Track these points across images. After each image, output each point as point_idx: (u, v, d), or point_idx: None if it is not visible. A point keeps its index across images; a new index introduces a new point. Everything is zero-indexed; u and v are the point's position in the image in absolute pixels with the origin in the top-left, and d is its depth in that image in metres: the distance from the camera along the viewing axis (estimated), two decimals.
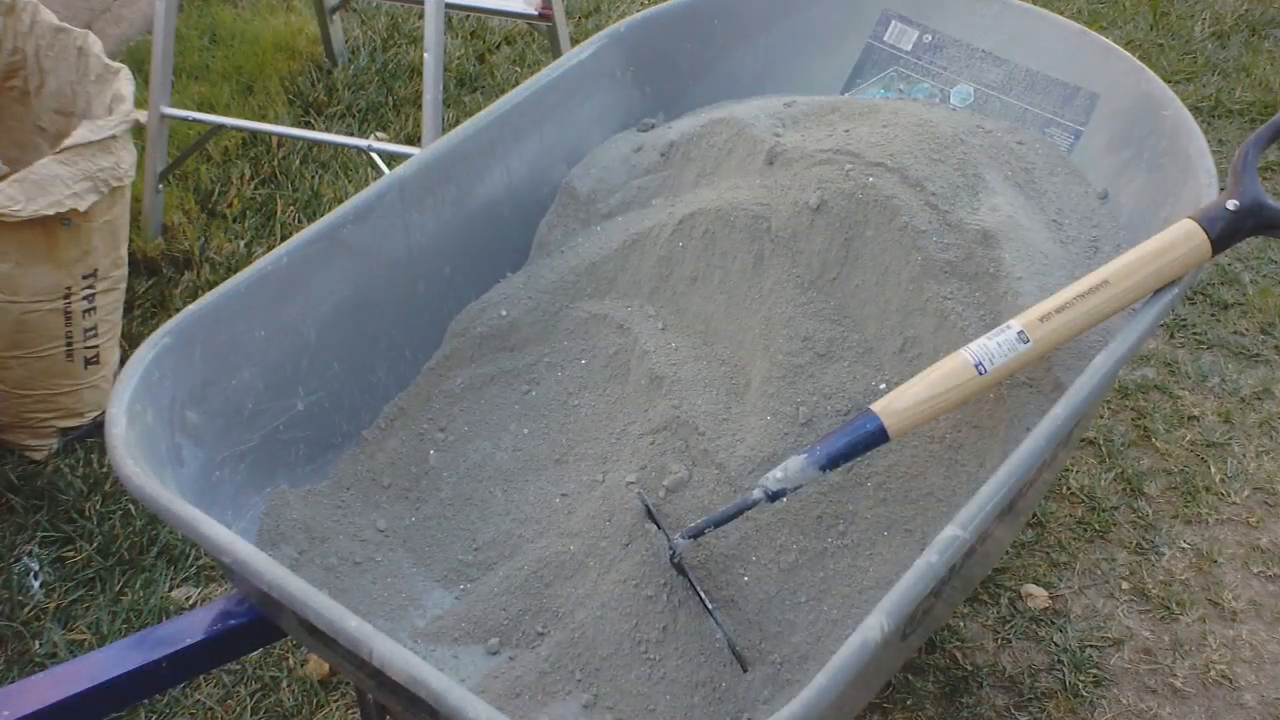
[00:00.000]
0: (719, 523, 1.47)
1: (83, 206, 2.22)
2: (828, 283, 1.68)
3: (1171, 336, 2.79)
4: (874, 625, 1.17)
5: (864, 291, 1.66)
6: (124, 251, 2.44)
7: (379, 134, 3.34)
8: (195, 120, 2.95)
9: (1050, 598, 2.24)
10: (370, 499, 1.70)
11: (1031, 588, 2.25)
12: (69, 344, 2.37)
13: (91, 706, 1.36)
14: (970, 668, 2.13)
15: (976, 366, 1.46)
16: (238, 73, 3.58)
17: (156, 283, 2.84)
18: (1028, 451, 1.34)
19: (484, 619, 1.55)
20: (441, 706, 1.11)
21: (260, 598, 1.39)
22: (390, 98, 3.52)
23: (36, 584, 2.20)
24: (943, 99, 2.04)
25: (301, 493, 1.66)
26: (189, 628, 1.43)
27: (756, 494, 1.44)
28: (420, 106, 2.76)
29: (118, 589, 2.20)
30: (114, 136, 2.27)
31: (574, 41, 2.87)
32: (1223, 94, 3.54)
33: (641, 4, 3.99)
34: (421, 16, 3.44)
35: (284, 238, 2.84)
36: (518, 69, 3.69)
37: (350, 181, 3.17)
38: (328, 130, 3.36)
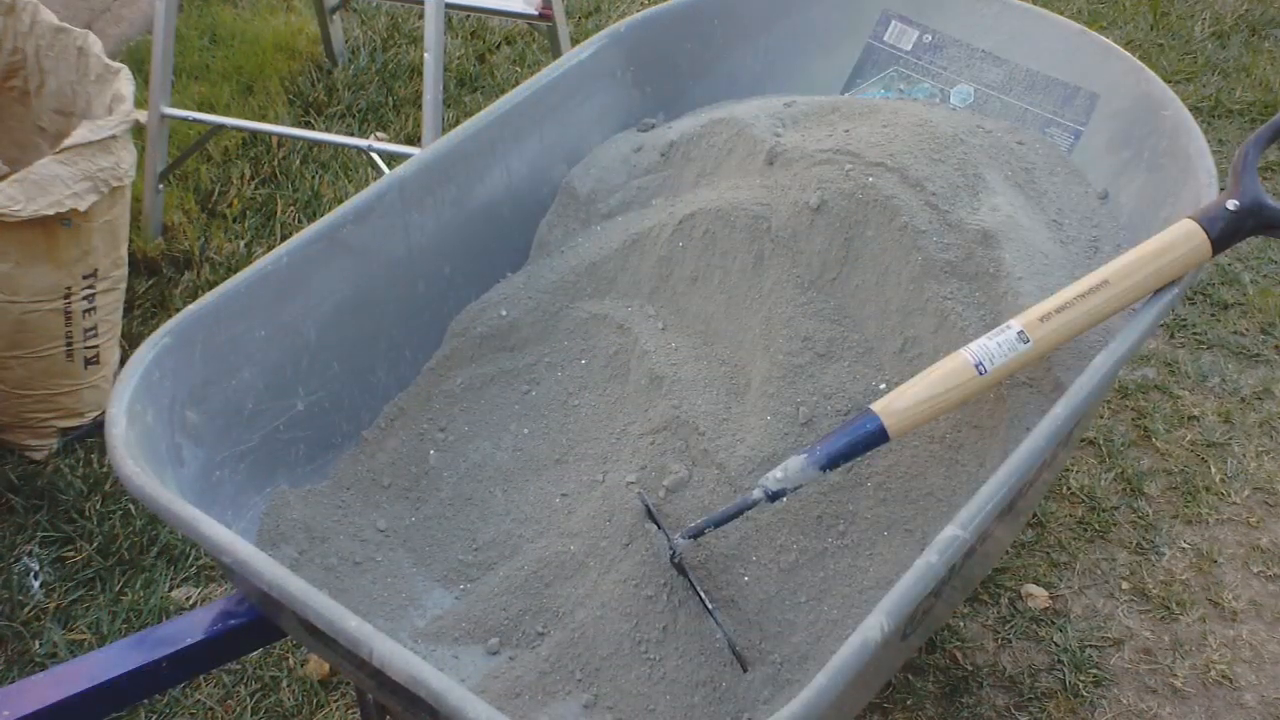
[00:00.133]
0: (719, 523, 1.47)
1: (83, 206, 2.22)
2: (828, 283, 1.68)
3: (1171, 336, 2.79)
4: (874, 625, 1.17)
5: (864, 291, 1.66)
6: (124, 251, 2.44)
7: (379, 134, 3.34)
8: (195, 120, 2.95)
9: (1050, 598, 2.24)
10: (370, 499, 1.70)
11: (1031, 588, 2.25)
12: (69, 344, 2.37)
13: (91, 706, 1.36)
14: (970, 668, 2.13)
15: (976, 366, 1.46)
16: (238, 73, 3.58)
17: (156, 283, 2.84)
18: (1028, 451, 1.34)
19: (484, 619, 1.55)
20: (441, 706, 1.11)
21: (260, 598, 1.39)
22: (390, 98, 3.52)
23: (36, 584, 2.20)
24: (943, 99, 2.04)
25: (301, 493, 1.66)
26: (189, 628, 1.43)
27: (756, 494, 1.44)
28: (420, 106, 2.76)
29: (118, 589, 2.20)
30: (114, 136, 2.27)
31: (574, 41, 2.88)
32: (1223, 94, 3.54)
33: (641, 4, 3.99)
34: (421, 16, 3.44)
35: (284, 238, 2.84)
36: (518, 69, 3.69)
37: (350, 181, 3.17)
38: (328, 130, 3.36)
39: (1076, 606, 2.23)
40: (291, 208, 3.07)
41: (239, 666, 2.10)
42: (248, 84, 3.55)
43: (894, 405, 1.45)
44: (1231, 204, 1.54)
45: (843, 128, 1.79)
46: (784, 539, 1.54)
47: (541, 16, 2.94)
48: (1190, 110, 1.80)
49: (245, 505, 1.62)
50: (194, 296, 2.54)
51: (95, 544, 2.26)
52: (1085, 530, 2.37)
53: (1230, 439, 2.54)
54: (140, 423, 1.44)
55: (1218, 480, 2.46)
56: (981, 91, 2.02)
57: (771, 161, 1.77)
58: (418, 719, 1.26)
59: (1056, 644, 2.16)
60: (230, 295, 1.58)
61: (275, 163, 3.22)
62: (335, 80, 3.57)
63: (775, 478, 1.44)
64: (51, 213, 2.18)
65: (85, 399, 2.45)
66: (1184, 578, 2.28)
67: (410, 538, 1.67)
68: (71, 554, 2.26)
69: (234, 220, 3.04)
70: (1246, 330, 2.81)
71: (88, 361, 2.42)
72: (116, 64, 2.48)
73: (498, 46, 3.81)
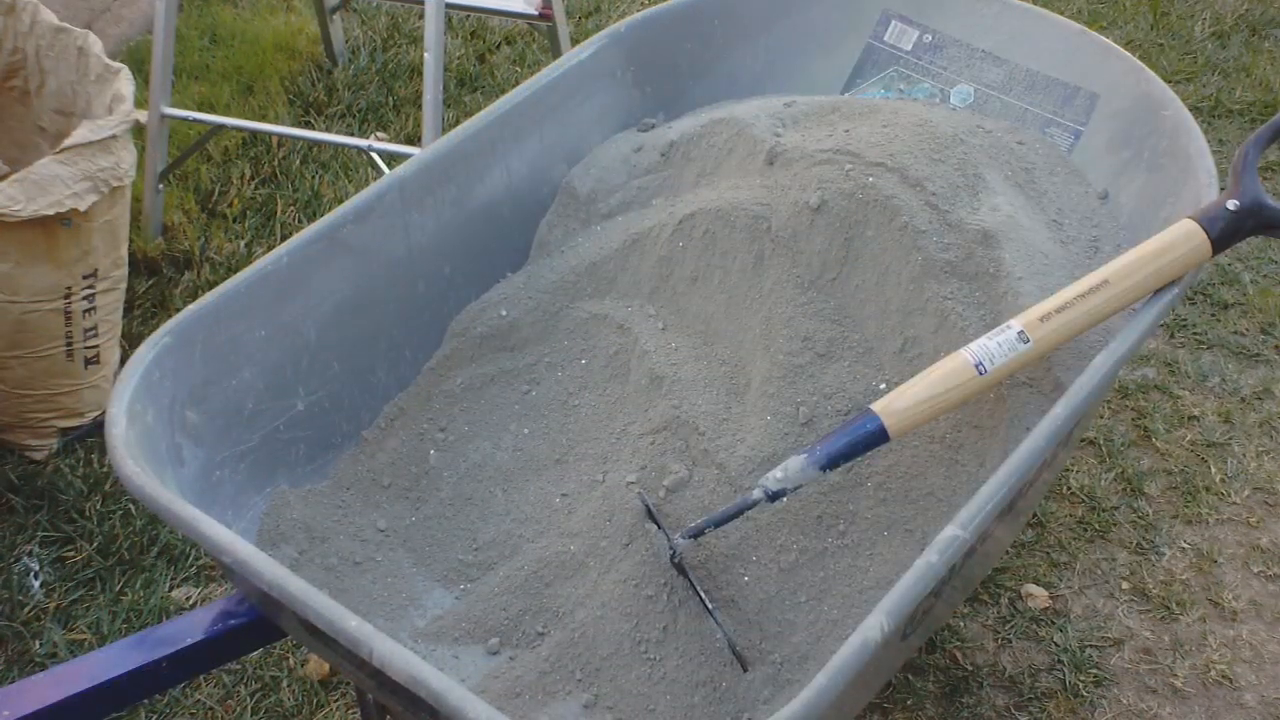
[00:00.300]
0: (719, 523, 1.47)
1: (83, 206, 2.22)
2: (828, 283, 1.68)
3: (1171, 336, 2.79)
4: (874, 625, 1.17)
5: (864, 291, 1.66)
6: (124, 251, 2.44)
7: (379, 134, 3.34)
8: (195, 120, 2.95)
9: (1050, 598, 2.24)
10: (370, 499, 1.70)
11: (1032, 588, 2.25)
12: (69, 344, 2.37)
13: (91, 706, 1.36)
14: (970, 668, 2.13)
15: (977, 366, 1.46)
16: (238, 73, 3.58)
17: (156, 283, 2.84)
18: (1028, 451, 1.34)
19: (484, 619, 1.55)
20: (441, 706, 1.11)
21: (260, 598, 1.39)
22: (390, 98, 3.52)
23: (36, 584, 2.20)
24: (943, 99, 2.04)
25: (301, 493, 1.66)
26: (189, 628, 1.43)
27: (756, 494, 1.44)
28: (420, 106, 2.76)
29: (118, 589, 2.20)
30: (114, 136, 2.27)
31: (574, 41, 2.87)
32: (1223, 94, 3.54)
33: (641, 4, 3.99)
34: (421, 16, 3.44)
35: (284, 238, 2.84)
36: (518, 69, 3.69)
37: (350, 181, 3.17)
38: (328, 130, 3.36)
39: (1076, 606, 2.23)
40: (291, 208, 3.07)
41: (239, 666, 2.10)
42: (248, 84, 3.55)
43: (894, 405, 1.45)
44: (1231, 204, 1.54)
45: (843, 128, 1.79)
46: (784, 539, 1.54)
47: (541, 16, 2.94)
48: (1190, 110, 1.80)
49: (245, 505, 1.62)
50: (194, 296, 2.54)
51: (95, 544, 2.26)
52: (1085, 530, 2.37)
53: (1230, 439, 2.54)
54: (140, 423, 1.44)
55: (1218, 480, 2.46)
56: (981, 91, 2.02)
57: (771, 161, 1.77)
58: (418, 719, 1.26)
59: (1056, 644, 2.16)
60: (230, 295, 1.58)
61: (275, 163, 3.22)
62: (335, 80, 3.57)
63: (775, 478, 1.44)
64: (51, 213, 2.18)
65: (85, 399, 2.45)
66: (1184, 578, 2.28)
67: (410, 538, 1.67)
68: (71, 554, 2.26)
69: (234, 220, 3.04)
70: (1246, 330, 2.81)
71: (88, 361, 2.42)
72: (116, 64, 2.48)
73: (498, 46, 3.81)
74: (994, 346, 1.47)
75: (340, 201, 2.63)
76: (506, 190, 1.91)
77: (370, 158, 2.93)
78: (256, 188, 3.14)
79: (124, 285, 2.47)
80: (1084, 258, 1.72)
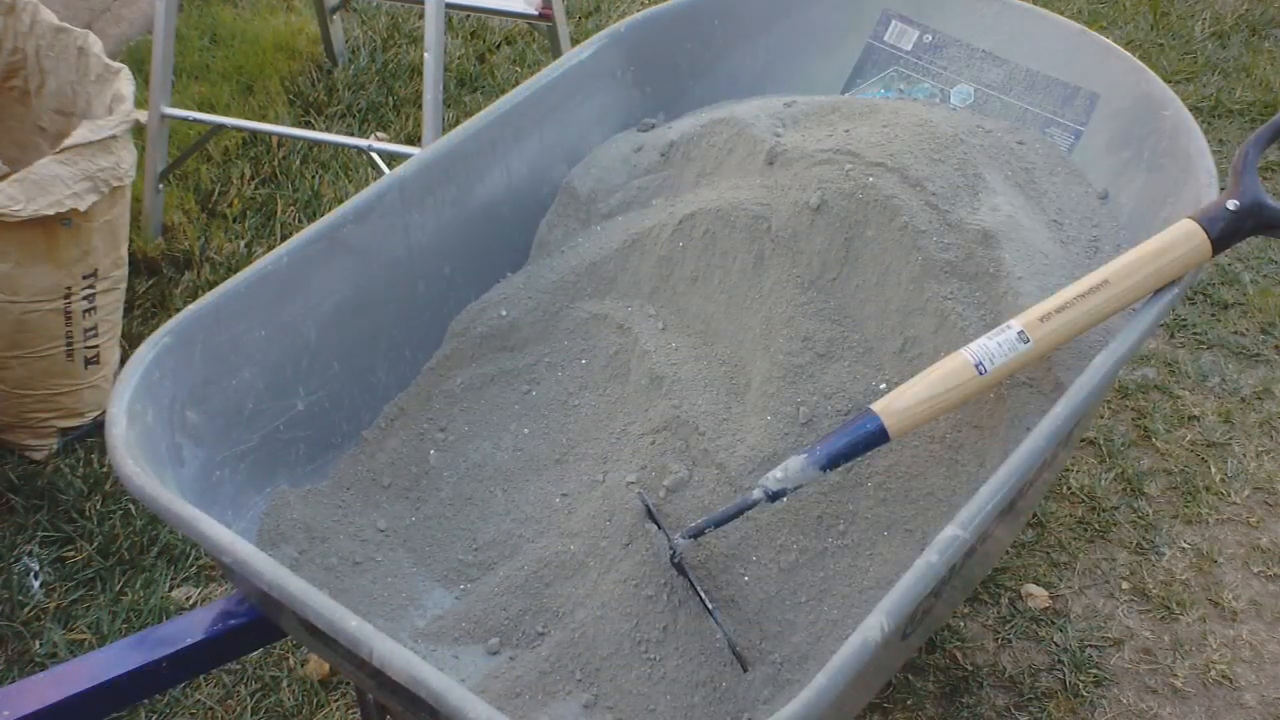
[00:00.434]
0: (719, 523, 1.47)
1: (83, 206, 2.22)
2: (828, 283, 1.68)
3: (1171, 336, 2.79)
4: (874, 625, 1.17)
5: (864, 291, 1.66)
6: (124, 251, 2.44)
7: (379, 134, 3.34)
8: (195, 120, 2.95)
9: (1050, 598, 2.24)
10: (370, 499, 1.70)
11: (1032, 588, 2.25)
12: (69, 344, 2.37)
13: (91, 706, 1.36)
14: (970, 668, 2.13)
15: (977, 366, 1.46)
16: (238, 73, 3.58)
17: (156, 283, 2.84)
18: (1028, 451, 1.34)
19: (484, 619, 1.55)
20: (441, 706, 1.11)
21: (260, 598, 1.39)
22: (390, 98, 3.52)
23: (36, 584, 2.20)
24: (943, 99, 2.04)
25: (301, 493, 1.66)
26: (189, 628, 1.43)
27: (756, 494, 1.44)
28: (420, 106, 2.76)
29: (118, 589, 2.20)
30: (114, 136, 2.27)
31: (574, 41, 2.88)
32: (1223, 94, 3.54)
33: (641, 4, 3.99)
34: (421, 16, 3.44)
35: (284, 238, 2.84)
36: (518, 69, 3.69)
37: (350, 181, 3.17)
38: (328, 130, 3.36)
39: (1076, 606, 2.23)
40: (291, 208, 3.07)
41: (239, 666, 2.10)
42: (248, 84, 3.55)
43: (894, 405, 1.45)
44: (1231, 204, 1.54)
45: (843, 128, 1.79)
46: (784, 539, 1.54)
47: (541, 16, 2.94)
48: (1190, 110, 1.80)
49: (245, 505, 1.62)
50: (194, 296, 2.54)
51: (95, 544, 2.26)
52: (1085, 530, 2.37)
53: (1230, 439, 2.54)
54: (140, 423, 1.44)
55: (1218, 480, 2.46)
56: (981, 91, 2.02)
57: (771, 161, 1.77)
58: (418, 719, 1.26)
59: (1056, 644, 2.16)
60: (230, 295, 1.58)
61: (275, 163, 3.22)
62: (335, 80, 3.57)
63: (775, 478, 1.44)
64: (51, 213, 2.18)
65: (85, 399, 2.45)
66: (1184, 578, 2.28)
67: (410, 538, 1.67)
68: (71, 554, 2.26)
69: (234, 220, 3.04)
70: (1246, 330, 2.81)
71: (88, 361, 2.42)
72: (116, 64, 2.48)
73: (498, 46, 3.81)
74: (994, 346, 1.47)
75: (340, 201, 2.63)
76: (506, 190, 1.91)
77: (370, 158, 2.93)
78: (256, 188, 3.14)
79: (124, 285, 2.48)
80: (1084, 258, 1.72)
